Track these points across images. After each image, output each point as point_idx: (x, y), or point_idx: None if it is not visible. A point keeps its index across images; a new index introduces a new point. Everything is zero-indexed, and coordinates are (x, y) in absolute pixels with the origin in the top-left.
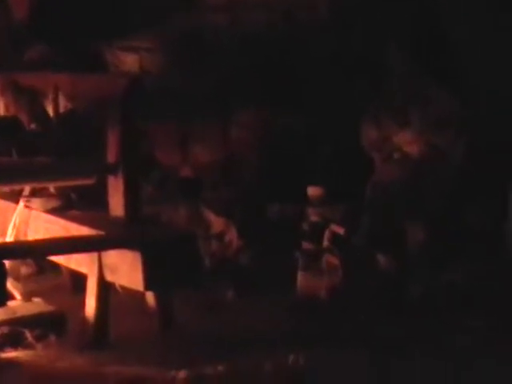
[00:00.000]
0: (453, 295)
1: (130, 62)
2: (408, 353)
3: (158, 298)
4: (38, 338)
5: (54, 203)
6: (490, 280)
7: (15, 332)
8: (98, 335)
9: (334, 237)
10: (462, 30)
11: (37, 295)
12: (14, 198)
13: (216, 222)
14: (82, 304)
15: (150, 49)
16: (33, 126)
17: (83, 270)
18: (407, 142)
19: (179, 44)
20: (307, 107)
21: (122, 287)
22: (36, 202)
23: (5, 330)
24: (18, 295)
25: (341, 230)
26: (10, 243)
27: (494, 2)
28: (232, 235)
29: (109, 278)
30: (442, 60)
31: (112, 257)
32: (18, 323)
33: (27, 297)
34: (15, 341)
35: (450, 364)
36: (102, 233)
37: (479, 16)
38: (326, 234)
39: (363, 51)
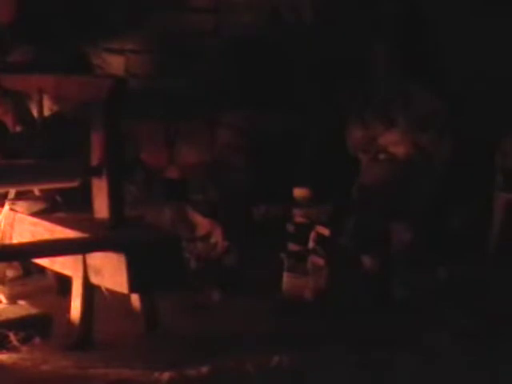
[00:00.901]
0: (438, 295)
1: (115, 63)
2: (394, 352)
3: (142, 299)
4: (23, 341)
5: (39, 206)
6: (475, 280)
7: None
8: (83, 337)
9: (320, 238)
10: (446, 27)
11: (22, 298)
12: None
13: (202, 224)
14: (67, 306)
15: (135, 50)
16: (18, 128)
17: (68, 272)
18: (393, 142)
19: (165, 45)
20: (294, 107)
21: (108, 290)
22: (21, 205)
23: None
24: (3, 298)
25: (326, 232)
26: None
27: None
28: (218, 237)
29: (93, 280)
30: (426, 58)
31: (97, 259)
32: (3, 326)
33: (13, 300)
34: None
35: (437, 363)
36: (86, 235)
37: (463, 14)
38: (312, 235)
39: (348, 50)
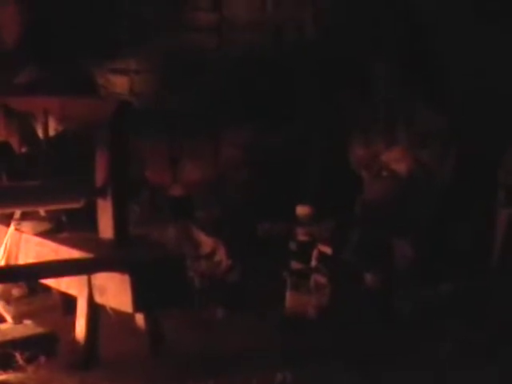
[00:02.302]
0: (440, 309)
1: (119, 83)
2: (398, 368)
3: (147, 318)
4: (29, 360)
5: (44, 226)
6: (477, 293)
7: (6, 354)
8: (88, 356)
9: (322, 256)
10: (448, 43)
11: (28, 317)
12: (5, 221)
13: (206, 242)
14: (72, 325)
15: (139, 70)
16: (23, 149)
17: (73, 291)
18: (395, 159)
19: (168, 64)
20: (296, 125)
21: (113, 309)
22: (27, 225)
23: None
24: (9, 318)
25: (328, 250)
26: (1, 267)
27: (481, 14)
28: (222, 255)
29: (98, 299)
30: (428, 75)
31: (101, 279)
32: (9, 345)
33: (18, 319)
34: (6, 363)
35: (440, 377)
36: (91, 255)
37: (465, 28)
38: (314, 254)
39: (350, 67)
